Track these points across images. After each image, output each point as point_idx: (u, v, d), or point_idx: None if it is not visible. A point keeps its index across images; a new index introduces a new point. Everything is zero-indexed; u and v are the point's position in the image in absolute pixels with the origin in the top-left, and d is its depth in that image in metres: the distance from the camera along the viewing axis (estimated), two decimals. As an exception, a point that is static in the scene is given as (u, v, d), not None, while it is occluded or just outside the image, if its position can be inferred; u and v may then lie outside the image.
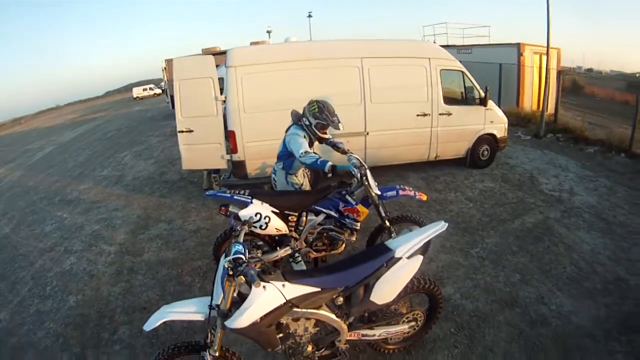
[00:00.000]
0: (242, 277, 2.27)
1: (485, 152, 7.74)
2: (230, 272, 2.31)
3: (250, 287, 2.34)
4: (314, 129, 4.13)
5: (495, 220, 5.76)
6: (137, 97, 42.91)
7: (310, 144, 4.22)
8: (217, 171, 7.33)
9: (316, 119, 4.09)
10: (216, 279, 2.53)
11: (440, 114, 7.16)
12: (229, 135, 6.44)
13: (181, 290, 4.48)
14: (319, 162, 3.90)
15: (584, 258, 4.72)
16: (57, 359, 3.56)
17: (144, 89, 44.48)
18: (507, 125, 7.83)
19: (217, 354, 2.55)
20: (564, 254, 4.82)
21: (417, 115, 7.05)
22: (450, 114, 7.21)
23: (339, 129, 4.11)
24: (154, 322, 2.49)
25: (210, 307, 2.44)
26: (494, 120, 7.57)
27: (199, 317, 2.50)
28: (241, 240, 2.53)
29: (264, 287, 2.39)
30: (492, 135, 7.63)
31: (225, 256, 2.41)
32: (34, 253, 5.64)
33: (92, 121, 26.12)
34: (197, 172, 8.35)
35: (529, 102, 13.54)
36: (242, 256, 2.33)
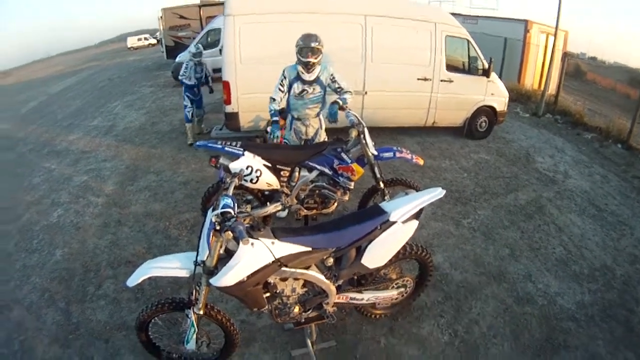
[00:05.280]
0: (229, 232, 2.16)
1: (483, 124, 7.62)
2: (217, 227, 2.22)
3: (238, 244, 2.25)
4: (299, 56, 4.14)
5: (488, 193, 5.74)
6: (132, 47, 41.46)
7: (298, 79, 4.26)
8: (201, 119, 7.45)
9: (296, 46, 4.13)
10: (202, 233, 2.41)
11: (441, 80, 7.00)
12: (223, 86, 6.29)
13: (168, 244, 4.42)
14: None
15: (573, 241, 4.73)
16: (42, 315, 3.50)
17: (139, 39, 42.93)
18: (507, 99, 7.70)
19: (201, 312, 2.50)
20: (554, 235, 4.82)
21: (418, 79, 6.90)
22: (452, 81, 7.06)
23: (310, 46, 4.06)
24: (137, 277, 2.42)
25: (196, 264, 2.36)
26: (495, 93, 7.42)
27: (184, 274, 2.43)
28: (230, 194, 2.42)
29: (252, 244, 2.30)
30: (492, 108, 7.48)
31: (213, 210, 2.31)
32: (22, 206, 5.49)
33: (83, 71, 25.33)
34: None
35: (531, 80, 13.35)
36: (230, 210, 2.22)
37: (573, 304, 3.77)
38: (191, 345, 2.59)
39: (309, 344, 2.93)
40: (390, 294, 3.07)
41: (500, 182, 6.10)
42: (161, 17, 16.83)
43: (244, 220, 2.36)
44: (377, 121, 6.96)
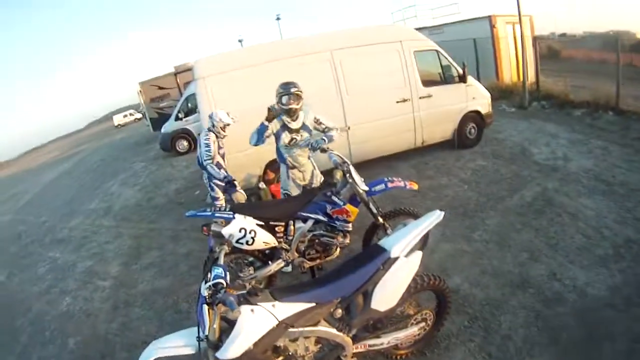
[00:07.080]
0: (221, 305, 2.12)
1: (472, 131, 7.55)
2: (209, 301, 2.16)
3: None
4: (280, 105, 4.20)
5: (493, 199, 5.59)
6: (119, 124, 42.46)
7: (285, 129, 4.30)
8: None
9: (277, 95, 4.21)
10: (198, 308, 2.34)
11: (420, 98, 6.95)
12: None
13: (179, 319, 4.29)
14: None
15: (590, 225, 4.58)
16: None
17: (125, 116, 44.05)
18: (490, 100, 7.65)
19: None
20: (570, 224, 4.68)
21: (397, 102, 6.85)
22: (431, 96, 7.01)
23: (290, 92, 4.13)
24: None
25: (199, 339, 2.26)
26: (476, 97, 7.38)
27: (189, 351, 2.35)
28: (221, 263, 2.36)
29: (251, 310, 2.23)
30: (477, 112, 7.43)
31: (205, 282, 2.25)
32: (30, 298, 5.49)
33: (75, 155, 25.93)
34: (184, 193, 8.31)
35: (509, 73, 13.34)
36: (222, 281, 2.17)
37: (605, 290, 3.59)
38: None
39: (339, 399, 2.75)
40: (411, 332, 2.91)
41: (502, 185, 5.98)
42: (140, 91, 17.10)
43: (250, 283, 2.28)
44: (366, 154, 6.89)
